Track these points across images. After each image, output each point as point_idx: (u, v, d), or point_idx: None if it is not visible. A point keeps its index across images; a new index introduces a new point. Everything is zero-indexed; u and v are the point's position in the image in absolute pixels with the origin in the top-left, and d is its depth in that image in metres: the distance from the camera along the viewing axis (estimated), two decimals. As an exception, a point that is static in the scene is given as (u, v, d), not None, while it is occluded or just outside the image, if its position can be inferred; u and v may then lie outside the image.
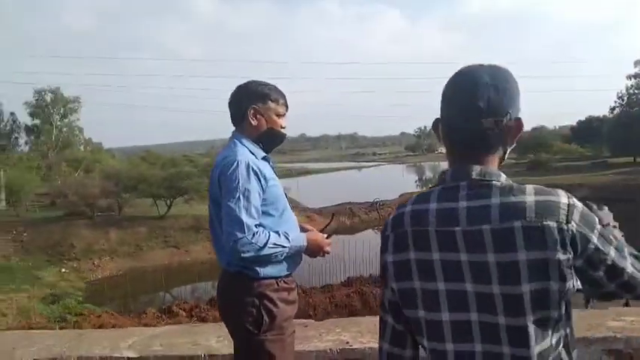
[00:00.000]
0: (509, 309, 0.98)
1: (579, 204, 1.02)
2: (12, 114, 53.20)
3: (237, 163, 1.81)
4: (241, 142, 1.93)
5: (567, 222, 0.98)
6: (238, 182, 1.78)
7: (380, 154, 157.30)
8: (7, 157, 42.81)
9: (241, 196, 1.77)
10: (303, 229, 2.05)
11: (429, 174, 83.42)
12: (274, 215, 1.90)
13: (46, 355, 2.46)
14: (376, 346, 2.39)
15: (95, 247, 28.08)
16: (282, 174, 49.33)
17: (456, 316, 1.03)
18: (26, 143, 53.17)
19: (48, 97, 48.78)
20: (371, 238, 24.14)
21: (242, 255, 1.74)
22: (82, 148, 54.28)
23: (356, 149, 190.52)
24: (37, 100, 48.62)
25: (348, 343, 2.42)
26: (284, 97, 2.02)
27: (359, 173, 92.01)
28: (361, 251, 21.39)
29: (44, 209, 35.34)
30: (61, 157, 46.36)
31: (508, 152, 1.13)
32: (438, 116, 1.13)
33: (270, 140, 2.01)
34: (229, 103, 2.01)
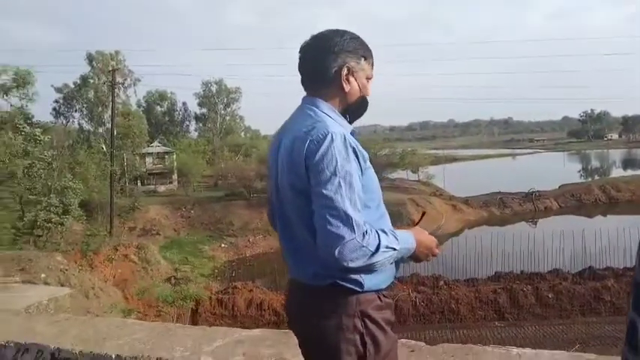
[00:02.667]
0: None
1: None
2: (184, 104, 60.03)
3: (332, 136, 1.30)
4: (323, 112, 1.42)
5: None
6: (337, 163, 1.28)
7: (537, 140, 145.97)
8: (179, 142, 48.24)
9: (342, 182, 1.27)
10: None
11: (595, 163, 75.30)
12: (371, 207, 1.39)
13: (129, 352, 2.44)
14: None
15: (250, 226, 30.51)
16: (428, 161, 48.30)
17: None
18: (195, 130, 59.49)
19: (213, 88, 53.70)
20: (523, 232, 22.54)
21: (349, 265, 1.24)
22: (242, 134, 59.12)
23: (510, 135, 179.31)
24: (204, 90, 53.76)
25: (465, 383, 1.96)
26: (372, 55, 1.54)
27: (513, 161, 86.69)
28: (511, 245, 20.06)
29: (208, 189, 39.25)
30: (224, 143, 51.14)
31: None
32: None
33: (358, 112, 1.53)
34: (305, 60, 1.48)
